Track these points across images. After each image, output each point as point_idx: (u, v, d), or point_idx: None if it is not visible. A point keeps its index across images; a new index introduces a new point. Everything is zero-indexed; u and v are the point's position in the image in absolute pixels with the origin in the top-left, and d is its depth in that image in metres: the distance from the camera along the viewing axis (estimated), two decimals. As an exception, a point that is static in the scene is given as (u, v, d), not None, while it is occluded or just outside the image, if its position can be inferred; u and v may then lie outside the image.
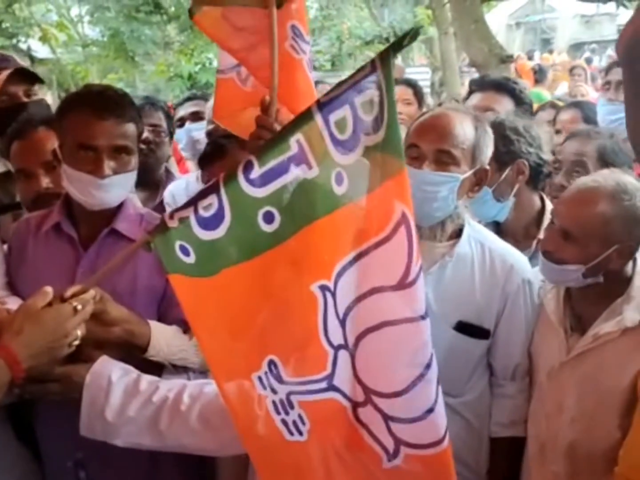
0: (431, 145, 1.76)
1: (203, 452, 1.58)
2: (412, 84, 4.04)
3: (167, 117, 2.91)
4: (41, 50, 12.64)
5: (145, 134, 2.68)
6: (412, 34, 1.19)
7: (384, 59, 1.21)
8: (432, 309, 1.70)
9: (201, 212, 1.31)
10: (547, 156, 2.27)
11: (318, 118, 1.25)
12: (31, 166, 2.01)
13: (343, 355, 1.32)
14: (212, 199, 1.31)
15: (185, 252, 1.34)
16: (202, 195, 1.33)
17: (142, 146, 2.61)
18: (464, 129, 1.78)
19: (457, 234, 1.86)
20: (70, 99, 1.77)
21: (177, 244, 1.33)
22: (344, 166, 1.26)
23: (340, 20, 16.13)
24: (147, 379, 1.54)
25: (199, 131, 3.15)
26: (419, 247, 1.26)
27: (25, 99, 2.39)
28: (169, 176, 2.90)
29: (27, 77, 2.38)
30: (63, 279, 1.69)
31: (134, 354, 1.62)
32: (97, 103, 1.68)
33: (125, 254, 1.45)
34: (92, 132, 1.66)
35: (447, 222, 1.83)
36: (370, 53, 14.69)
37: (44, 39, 12.26)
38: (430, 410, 1.31)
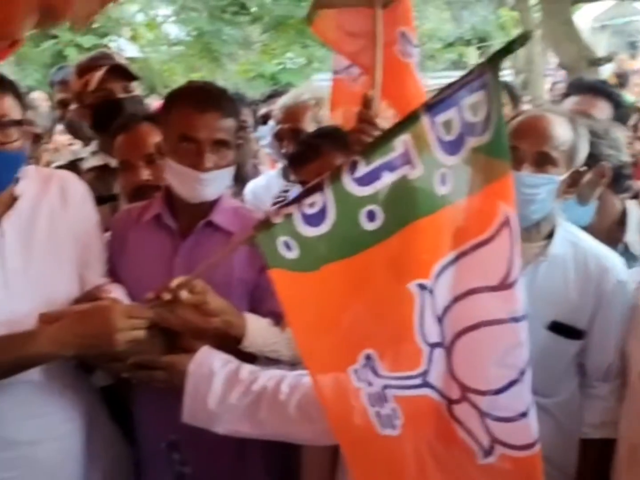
0: (531, 147, 1.77)
1: (299, 441, 1.65)
2: (507, 86, 4.02)
3: (253, 113, 2.96)
4: (129, 50, 13.05)
5: None
6: (521, 39, 1.20)
7: (493, 62, 1.24)
8: (525, 310, 1.69)
9: (305, 209, 1.37)
10: (626, 158, 2.24)
11: (425, 119, 1.28)
12: (133, 158, 2.10)
13: (439, 353, 1.35)
14: (317, 197, 1.36)
15: (288, 248, 1.39)
16: (306, 193, 1.38)
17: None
18: (562, 131, 1.78)
19: (550, 234, 1.86)
20: (174, 94, 1.85)
21: (281, 239, 1.38)
22: (449, 167, 1.29)
23: (421, 22, 16.03)
24: (247, 369, 1.61)
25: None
26: (519, 249, 1.28)
27: (122, 95, 2.48)
28: (257, 173, 2.95)
29: (125, 74, 2.46)
30: (161, 268, 1.79)
31: (230, 345, 1.68)
32: (199, 97, 1.76)
33: (230, 248, 1.53)
34: (194, 124, 1.72)
35: (542, 223, 1.84)
36: (452, 55, 14.60)
37: (134, 38, 12.65)
38: (524, 414, 1.32)
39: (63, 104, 2.99)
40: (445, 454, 1.38)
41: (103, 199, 2.25)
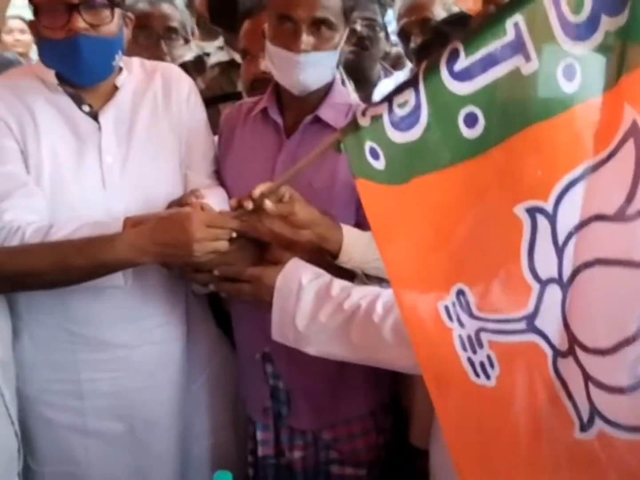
0: None
1: (396, 367, 1.48)
2: None
3: (383, 9, 2.72)
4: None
5: (359, 28, 2.54)
6: None
7: None
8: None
9: (396, 109, 1.15)
10: None
11: None
12: (254, 48, 1.96)
13: (553, 290, 1.08)
14: (409, 95, 1.13)
15: (375, 156, 1.20)
16: (399, 89, 1.16)
17: (354, 40, 2.50)
18: None
19: None
20: None
21: (367, 145, 1.20)
22: (578, 57, 0.99)
23: None
24: (339, 284, 1.46)
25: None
26: None
27: None
28: (387, 75, 2.73)
29: None
30: (264, 166, 1.66)
31: (325, 259, 1.53)
32: None
33: (315, 153, 1.35)
34: (291, 1, 1.55)
35: None
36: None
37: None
38: (634, 388, 1.01)
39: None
40: (543, 420, 1.13)
41: (227, 96, 2.17)
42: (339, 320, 1.42)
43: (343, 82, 2.03)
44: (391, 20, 2.82)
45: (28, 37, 4.17)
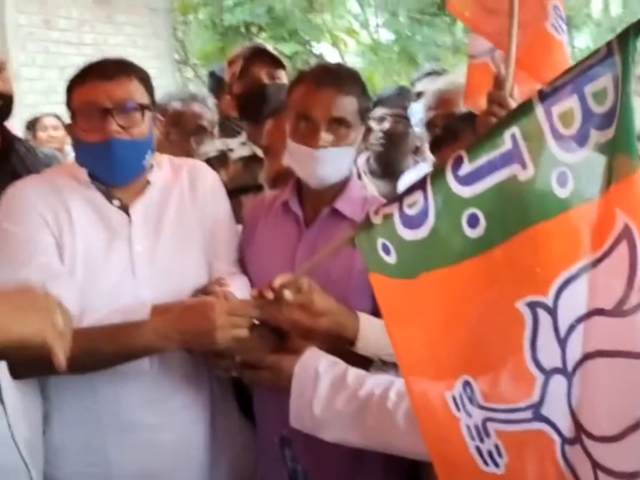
0: None
1: (411, 455, 1.51)
2: None
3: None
4: (331, 56, 13.43)
5: (389, 125, 2.67)
6: None
7: (623, 41, 1.02)
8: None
9: (406, 209, 1.25)
10: None
11: (539, 110, 1.10)
12: (276, 145, 2.08)
13: (558, 380, 1.14)
14: (419, 196, 1.23)
15: (387, 251, 1.29)
16: (409, 191, 1.27)
17: (382, 135, 2.62)
18: None
19: None
20: (298, 74, 1.83)
21: (380, 241, 1.29)
22: (569, 165, 1.09)
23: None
24: (354, 373, 1.52)
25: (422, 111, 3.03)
26: None
27: (267, 82, 2.49)
28: (415, 165, 2.84)
29: (271, 61, 2.48)
30: (284, 256, 1.76)
31: (342, 346, 1.61)
32: (317, 75, 1.73)
33: (331, 248, 1.44)
34: (309, 101, 1.69)
35: None
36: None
37: (334, 44, 13.00)
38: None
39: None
40: None
41: (248, 188, 2.28)
42: (354, 408, 1.47)
43: (359, 176, 2.15)
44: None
45: (61, 133, 4.40)
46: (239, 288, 1.71)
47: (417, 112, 3.01)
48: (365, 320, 1.61)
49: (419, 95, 3.16)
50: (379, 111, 2.76)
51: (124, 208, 1.75)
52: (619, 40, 1.03)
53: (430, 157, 2.69)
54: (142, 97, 1.69)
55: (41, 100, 5.59)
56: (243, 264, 1.87)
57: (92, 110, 1.64)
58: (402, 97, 2.86)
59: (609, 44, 1.04)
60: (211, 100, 2.80)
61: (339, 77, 1.72)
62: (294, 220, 1.81)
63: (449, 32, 13.37)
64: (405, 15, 13.43)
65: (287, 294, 1.51)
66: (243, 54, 2.53)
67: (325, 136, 1.68)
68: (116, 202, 1.74)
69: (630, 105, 1.04)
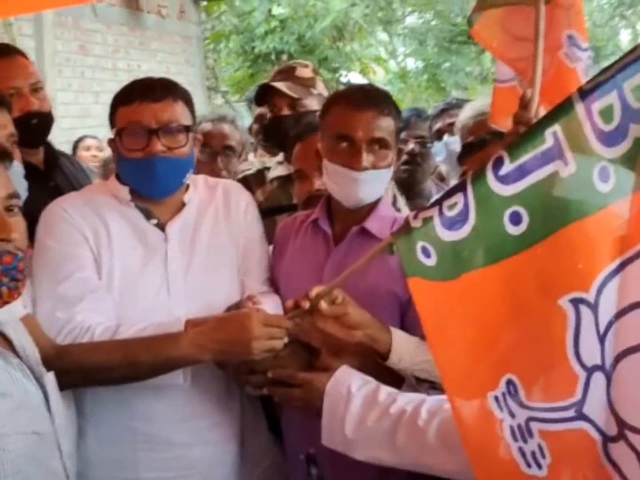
0: None
1: (441, 472, 1.47)
2: None
3: (430, 129, 2.88)
4: (360, 83, 13.57)
5: (411, 146, 2.69)
6: None
7: None
8: None
9: (445, 211, 1.25)
10: None
11: (579, 107, 1.11)
12: (307, 168, 2.10)
13: (598, 378, 1.14)
14: (458, 198, 1.24)
15: (427, 254, 1.28)
16: (448, 194, 1.27)
17: (405, 157, 2.64)
18: None
19: None
20: (332, 96, 1.86)
21: (419, 245, 1.29)
22: (611, 160, 1.10)
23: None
24: (385, 390, 1.51)
25: (457, 144, 3.05)
26: None
27: (286, 112, 2.52)
28: (439, 190, 2.86)
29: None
30: (313, 272, 1.76)
31: (374, 361, 1.61)
32: (356, 96, 1.74)
33: (369, 256, 1.44)
34: (351, 123, 1.69)
35: None
36: None
37: (363, 72, 13.14)
38: None
39: (260, 119, 3.13)
40: None
41: (284, 208, 2.31)
42: (386, 425, 1.46)
43: (395, 198, 2.16)
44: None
45: (102, 153, 4.53)
46: (271, 306, 1.72)
47: (441, 150, 3.04)
48: (398, 335, 1.61)
49: (439, 132, 3.19)
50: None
51: (161, 226, 1.78)
52: None
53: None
54: (186, 119, 1.73)
55: (76, 123, 5.71)
56: (273, 282, 1.89)
57: (138, 129, 1.67)
58: (420, 119, 2.88)
59: None
60: (241, 122, 2.84)
61: (377, 99, 1.74)
62: (323, 239, 1.82)
63: (477, 61, 13.45)
64: (433, 44, 13.54)
65: (323, 305, 1.51)
66: (270, 80, 2.57)
67: (367, 157, 1.69)
68: (153, 221, 1.77)
69: None
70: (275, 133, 2.52)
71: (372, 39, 14.43)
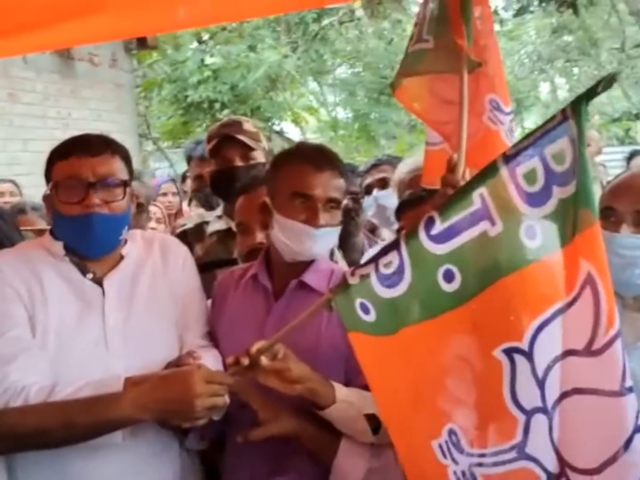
0: (629, 206, 1.62)
1: None
2: None
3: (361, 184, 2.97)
4: (293, 133, 13.76)
5: (345, 201, 2.75)
6: (606, 81, 1.10)
7: (576, 107, 1.14)
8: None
9: (382, 269, 1.31)
10: None
11: (504, 171, 1.20)
12: (250, 221, 2.12)
13: (539, 419, 1.21)
14: (393, 256, 1.30)
15: (366, 310, 1.33)
16: (383, 252, 1.33)
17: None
18: None
19: None
20: (286, 153, 1.89)
21: (358, 301, 1.33)
22: (537, 219, 1.19)
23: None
24: None
25: (386, 198, 3.14)
26: (616, 315, 1.14)
27: (238, 164, 2.54)
28: (371, 243, 2.92)
29: (245, 143, 2.54)
30: (254, 327, 1.77)
31: (314, 414, 1.62)
32: (315, 156, 1.79)
33: (309, 312, 1.48)
34: (310, 182, 1.74)
35: None
36: (618, 130, 13.97)
37: (295, 122, 13.33)
38: None
39: (200, 179, 3.12)
40: None
41: (223, 262, 2.30)
42: None
43: (332, 251, 2.19)
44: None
45: (16, 199, 4.25)
46: (211, 361, 1.72)
47: (370, 205, 3.10)
48: (341, 389, 1.62)
49: (368, 187, 3.26)
50: None
51: (98, 281, 1.76)
52: (573, 106, 1.14)
53: (386, 237, 2.77)
54: (123, 174, 1.73)
55: (4, 171, 5.58)
56: (213, 337, 1.88)
57: (75, 183, 1.67)
58: (352, 175, 2.95)
59: (563, 110, 1.15)
60: (148, 177, 2.84)
61: (333, 159, 1.81)
62: (263, 294, 1.84)
63: (405, 111, 13.81)
64: (363, 94, 13.89)
65: (264, 361, 1.53)
66: (218, 132, 2.57)
67: (323, 215, 1.74)
68: (90, 276, 1.75)
69: (587, 164, 1.15)
70: (225, 184, 2.52)
71: (303, 89, 14.71)
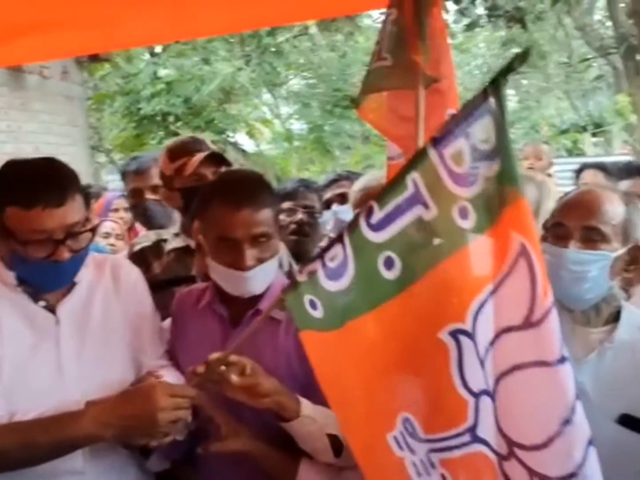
0: (578, 222, 1.66)
1: None
2: (602, 167, 3.97)
3: (320, 199, 2.98)
4: (247, 144, 13.72)
5: (300, 216, 2.76)
6: (520, 57, 1.11)
7: (495, 86, 1.14)
8: (590, 400, 1.55)
9: (328, 263, 1.33)
10: None
11: (432, 154, 1.21)
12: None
13: (485, 401, 1.21)
14: (338, 249, 1.32)
15: (314, 306, 1.36)
16: (328, 246, 1.35)
17: (294, 227, 2.71)
18: (613, 205, 1.66)
19: (615, 317, 1.70)
20: (207, 190, 1.81)
21: (307, 298, 1.36)
22: (468, 199, 1.19)
23: (539, 111, 15.94)
24: None
25: (345, 213, 3.16)
26: (549, 286, 1.14)
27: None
28: None
29: (217, 160, 2.52)
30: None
31: (279, 429, 1.62)
32: (233, 194, 1.70)
33: (264, 315, 1.52)
34: (229, 224, 1.68)
35: (602, 305, 1.69)
36: (566, 142, 14.32)
37: (249, 134, 13.32)
38: (573, 475, 1.13)
39: (137, 193, 3.09)
40: None
41: (181, 280, 2.29)
42: None
43: (291, 266, 2.19)
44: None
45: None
46: (173, 377, 1.71)
47: (329, 219, 3.12)
48: (307, 404, 1.62)
49: (328, 202, 3.29)
50: (287, 204, 2.84)
51: (51, 308, 1.72)
52: (493, 85, 1.14)
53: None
54: (83, 210, 1.66)
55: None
56: (173, 357, 1.87)
57: (42, 238, 1.57)
58: (307, 189, 2.96)
59: (484, 90, 1.15)
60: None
61: (252, 192, 1.72)
62: (219, 321, 1.82)
63: (358, 122, 13.94)
64: (317, 106, 13.96)
65: (234, 378, 1.53)
66: (187, 149, 2.52)
67: (250, 255, 1.68)
68: (42, 303, 1.71)
69: (509, 141, 1.15)
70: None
71: (257, 101, 14.71)
